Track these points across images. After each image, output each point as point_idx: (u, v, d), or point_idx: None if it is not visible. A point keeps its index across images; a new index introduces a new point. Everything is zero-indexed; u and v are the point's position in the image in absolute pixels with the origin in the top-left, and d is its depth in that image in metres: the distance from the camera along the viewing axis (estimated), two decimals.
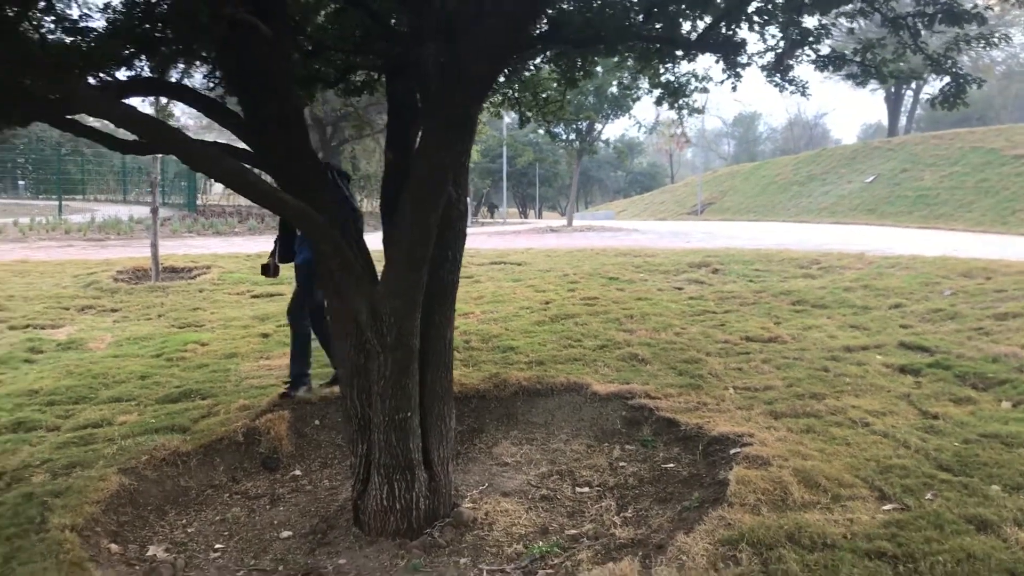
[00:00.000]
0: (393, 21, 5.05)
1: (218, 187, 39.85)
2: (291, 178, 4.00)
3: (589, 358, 6.96)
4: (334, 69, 5.53)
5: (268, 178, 4.11)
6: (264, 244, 19.34)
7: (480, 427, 5.74)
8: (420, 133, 4.52)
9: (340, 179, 5.79)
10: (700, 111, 8.24)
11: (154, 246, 12.86)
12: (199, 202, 31.96)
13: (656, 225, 33.07)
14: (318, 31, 5.29)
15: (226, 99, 4.94)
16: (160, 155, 13.38)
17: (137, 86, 3.93)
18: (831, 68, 5.40)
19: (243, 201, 33.72)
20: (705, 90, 7.36)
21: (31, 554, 3.76)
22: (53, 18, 3.72)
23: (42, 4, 3.36)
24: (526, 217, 56.10)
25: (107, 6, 4.23)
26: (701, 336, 7.81)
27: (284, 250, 6.20)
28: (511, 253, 16.13)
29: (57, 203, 30.93)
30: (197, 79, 5.90)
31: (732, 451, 4.67)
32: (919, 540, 3.50)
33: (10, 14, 3.08)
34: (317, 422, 5.68)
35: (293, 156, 3.96)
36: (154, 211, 13.23)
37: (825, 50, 5.39)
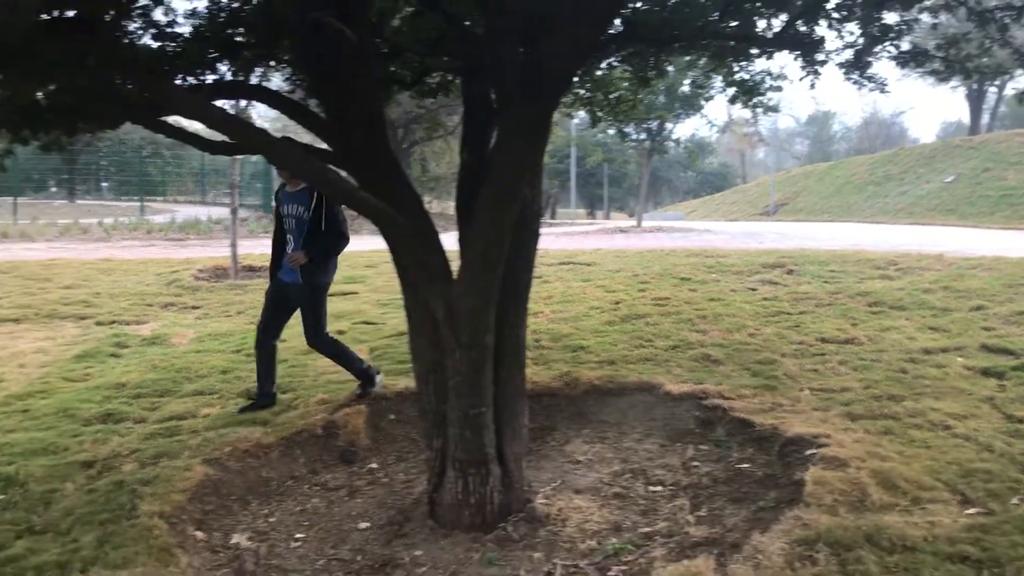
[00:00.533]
0: (469, 23, 5.13)
1: None
2: (371, 177, 4.10)
3: (661, 358, 6.95)
4: (410, 71, 5.64)
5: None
6: None
7: (552, 425, 5.79)
8: (495, 134, 4.62)
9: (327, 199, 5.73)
10: (775, 109, 8.17)
11: (233, 245, 13.23)
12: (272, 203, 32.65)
13: (727, 226, 32.68)
14: (395, 34, 5.41)
15: (307, 101, 5.09)
16: (239, 157, 13.76)
17: (225, 89, 4.07)
18: (912, 65, 5.31)
19: None
20: (779, 88, 7.29)
21: (122, 539, 3.93)
22: (142, 23, 3.90)
23: (137, 9, 3.51)
24: (594, 218, 55.97)
25: (193, 12, 4.40)
26: (776, 337, 7.72)
27: (275, 263, 6.02)
28: (580, 253, 16.14)
29: (139, 204, 31.95)
30: (275, 82, 6.07)
31: (808, 452, 4.63)
32: (1005, 545, 3.43)
33: (107, 18, 3.24)
34: (392, 417, 5.80)
35: (373, 156, 4.07)
36: (233, 211, 13.61)
37: (906, 46, 5.31)
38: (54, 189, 41.33)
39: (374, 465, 5.30)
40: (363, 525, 4.47)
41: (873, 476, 4.14)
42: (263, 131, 3.32)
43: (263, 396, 5.96)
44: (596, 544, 4.04)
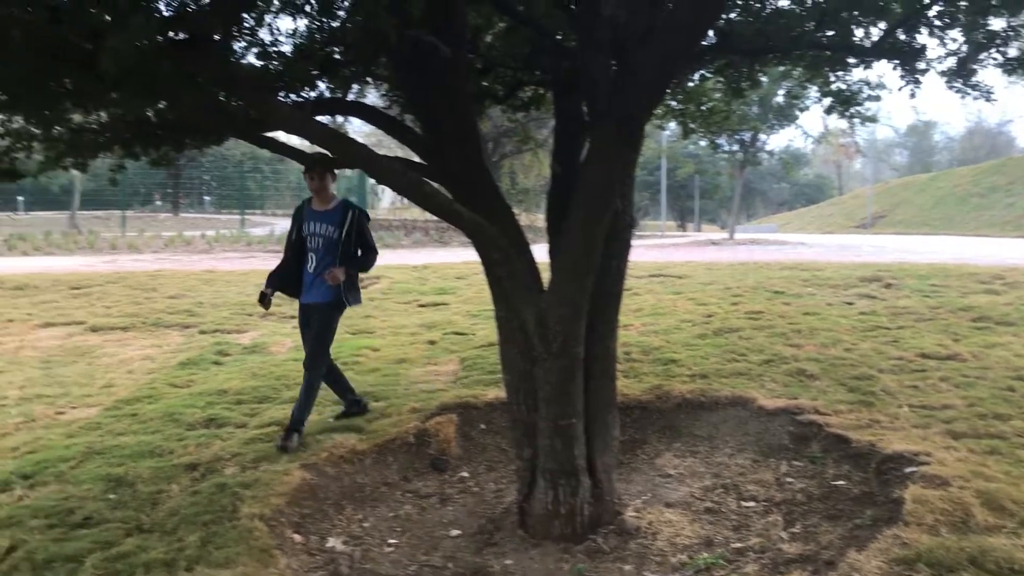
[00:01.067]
0: (561, 37, 5.18)
1: (385, 202, 41.49)
2: (465, 190, 4.18)
3: (754, 372, 6.84)
4: (503, 85, 5.72)
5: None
6: (427, 256, 20.00)
7: (642, 438, 5.76)
8: (587, 146, 4.65)
9: (362, 218, 5.68)
10: (872, 119, 7.96)
11: None
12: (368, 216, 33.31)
13: (823, 238, 31.92)
14: (488, 49, 5.50)
15: (403, 116, 5.22)
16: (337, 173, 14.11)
17: (325, 105, 4.20)
18: (1021, 72, 5.13)
19: (408, 215, 35.02)
20: (878, 98, 7.11)
21: (225, 539, 4.07)
22: (248, 42, 4.06)
23: (244, 29, 3.66)
24: (685, 230, 55.34)
25: (295, 31, 4.56)
26: (873, 352, 7.52)
27: (284, 282, 5.76)
28: (671, 266, 16.00)
29: (239, 217, 33.04)
30: (371, 98, 6.22)
31: (907, 470, 4.49)
32: None
33: (216, 39, 3.39)
34: (483, 426, 5.86)
35: (467, 169, 4.14)
36: None
37: (1014, 52, 5.12)
38: (159, 203, 43.12)
39: (465, 474, 5.37)
40: (454, 533, 4.53)
41: (978, 496, 4.00)
42: (363, 146, 3.42)
43: (353, 404, 6.00)
44: (687, 558, 4.01)
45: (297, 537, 4.40)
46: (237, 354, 8.75)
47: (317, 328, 5.65)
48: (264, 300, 5.70)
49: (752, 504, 4.66)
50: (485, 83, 5.61)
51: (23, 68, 2.33)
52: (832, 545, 3.88)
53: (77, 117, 4.98)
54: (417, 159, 4.55)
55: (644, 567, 3.96)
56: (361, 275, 5.87)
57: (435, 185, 3.96)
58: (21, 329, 10.47)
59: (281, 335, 9.79)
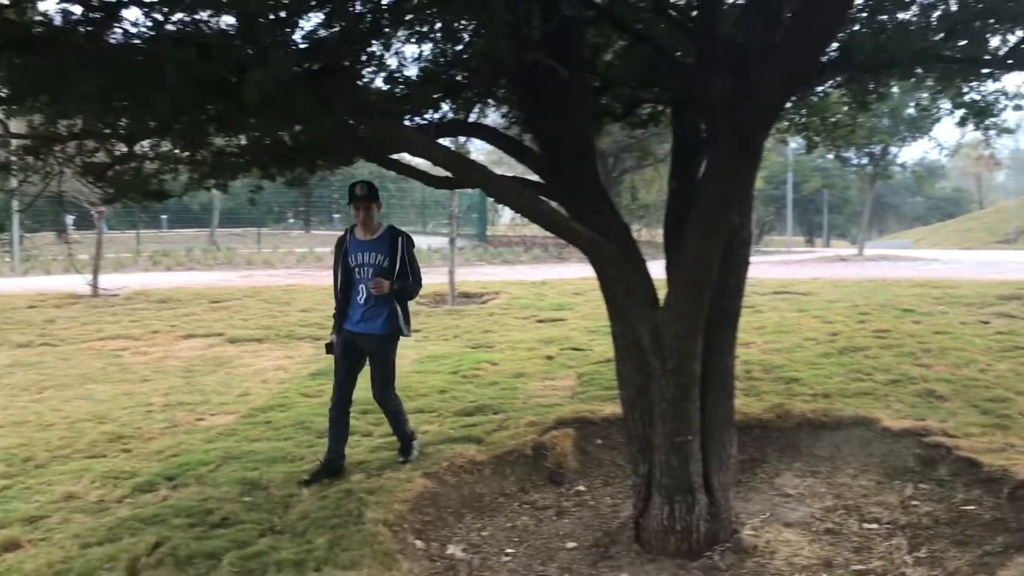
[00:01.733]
0: (679, 55, 5.20)
1: (505, 219, 41.98)
2: (582, 207, 4.26)
3: (880, 392, 6.65)
4: (621, 103, 5.78)
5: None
6: (546, 272, 20.14)
7: (762, 457, 5.69)
8: (705, 162, 4.66)
9: (410, 245, 5.57)
10: (1009, 131, 7.62)
11: (451, 273, 13.90)
12: (488, 232, 33.85)
13: (960, 254, 30.44)
14: (607, 68, 5.58)
15: (522, 136, 5.35)
16: (458, 190, 14.47)
17: (449, 127, 4.37)
18: None
19: (528, 232, 35.31)
20: (1019, 107, 6.81)
21: (350, 543, 4.26)
22: (375, 68, 4.27)
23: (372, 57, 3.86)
24: (813, 246, 53.76)
25: (420, 55, 4.76)
26: (1010, 373, 7.18)
27: (340, 320, 5.59)
28: (796, 283, 15.63)
29: None
30: (490, 118, 6.36)
31: None
32: None
33: (347, 66, 3.59)
34: (599, 441, 5.90)
35: (584, 187, 4.23)
36: (452, 241, 14.33)
37: None
38: (292, 220, 44.88)
39: (581, 488, 5.43)
40: (570, 545, 4.59)
41: None
42: (482, 167, 3.56)
43: (336, 458, 5.48)
44: None
45: (418, 543, 4.56)
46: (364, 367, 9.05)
47: (380, 363, 5.56)
48: (331, 349, 5.63)
49: (875, 526, 4.54)
50: (604, 101, 5.69)
51: (175, 99, 2.56)
52: (960, 572, 3.76)
53: (219, 141, 5.34)
54: (535, 178, 4.68)
55: None
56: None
57: (552, 203, 4.07)
58: (165, 340, 11.15)
59: (404, 348, 10.06)
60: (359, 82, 3.48)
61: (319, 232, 40.38)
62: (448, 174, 4.03)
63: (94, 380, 8.96)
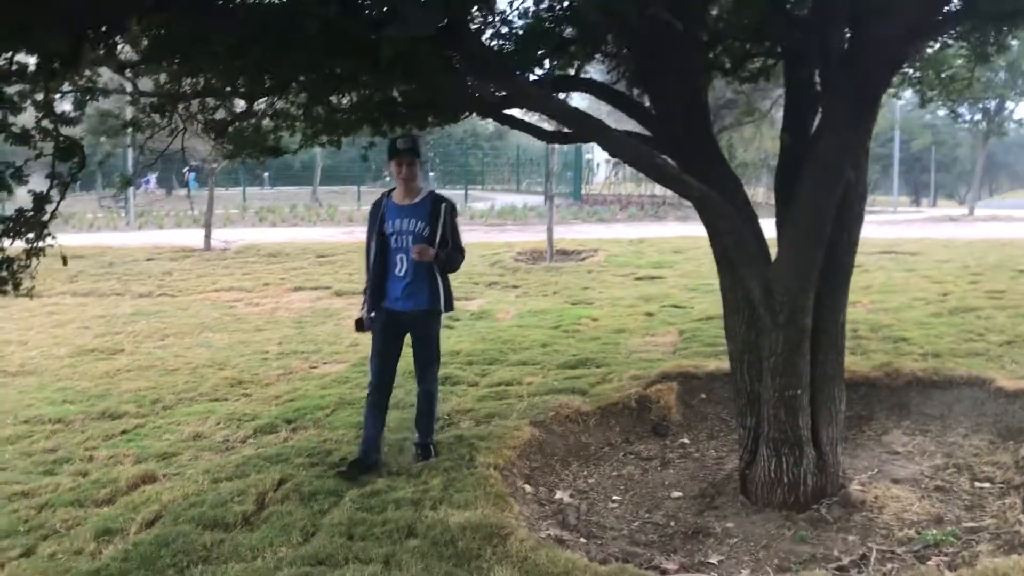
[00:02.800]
0: (791, 7, 5.11)
1: (599, 177, 41.73)
2: (692, 161, 4.28)
3: (994, 353, 6.49)
4: (730, 57, 5.71)
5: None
6: (642, 231, 20.02)
7: (869, 415, 5.64)
8: (818, 116, 4.61)
9: (454, 213, 4.95)
10: None
11: (549, 230, 13.99)
12: (582, 191, 33.73)
13: None
14: (716, 21, 5.51)
15: (630, 91, 5.36)
16: (555, 148, 14.50)
17: (561, 83, 4.43)
18: None
19: (623, 191, 35.05)
20: None
21: (464, 484, 4.43)
22: (493, 23, 4.33)
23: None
24: (919, 206, 51.79)
25: (526, 11, 4.80)
26: None
27: (376, 295, 4.94)
28: (903, 242, 15.19)
29: (463, 192, 34.43)
30: (590, 76, 6.34)
31: None
32: None
33: (467, 20, 3.68)
34: (703, 396, 5.95)
35: (695, 141, 4.24)
36: (549, 199, 14.41)
37: None
38: (388, 178, 45.52)
39: (685, 440, 5.50)
40: (675, 494, 4.68)
41: None
42: (599, 120, 3.62)
43: (372, 450, 4.89)
44: (915, 534, 3.94)
45: (527, 487, 4.71)
46: (466, 319, 9.29)
47: (424, 341, 4.98)
48: (361, 325, 5.04)
49: (987, 485, 4.49)
50: (712, 55, 5.63)
51: (312, 54, 2.70)
52: None
53: (333, 99, 5.51)
54: (642, 132, 4.69)
55: (869, 538, 3.94)
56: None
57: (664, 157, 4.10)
58: (276, 292, 11.61)
59: (505, 303, 10.28)
60: (479, 39, 3.57)
61: None
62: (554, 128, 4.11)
63: (211, 329, 9.43)
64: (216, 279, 12.95)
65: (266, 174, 40.48)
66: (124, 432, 5.86)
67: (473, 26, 4.15)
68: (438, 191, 5.37)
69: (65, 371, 7.63)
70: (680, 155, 4.37)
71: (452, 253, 4.89)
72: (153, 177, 33.71)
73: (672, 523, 4.32)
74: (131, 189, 22.14)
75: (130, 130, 5.96)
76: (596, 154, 41.44)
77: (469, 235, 19.03)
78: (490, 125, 49.67)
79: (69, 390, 6.94)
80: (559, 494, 4.71)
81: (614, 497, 4.71)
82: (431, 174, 45.35)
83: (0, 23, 2.30)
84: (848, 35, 4.12)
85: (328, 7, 2.45)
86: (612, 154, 3.86)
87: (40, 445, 5.63)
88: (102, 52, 3.08)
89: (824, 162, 3.83)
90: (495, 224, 23.78)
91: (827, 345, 4.40)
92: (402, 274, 4.84)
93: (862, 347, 6.79)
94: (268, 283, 12.33)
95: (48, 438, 5.77)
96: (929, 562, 3.66)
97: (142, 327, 9.57)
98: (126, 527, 4.23)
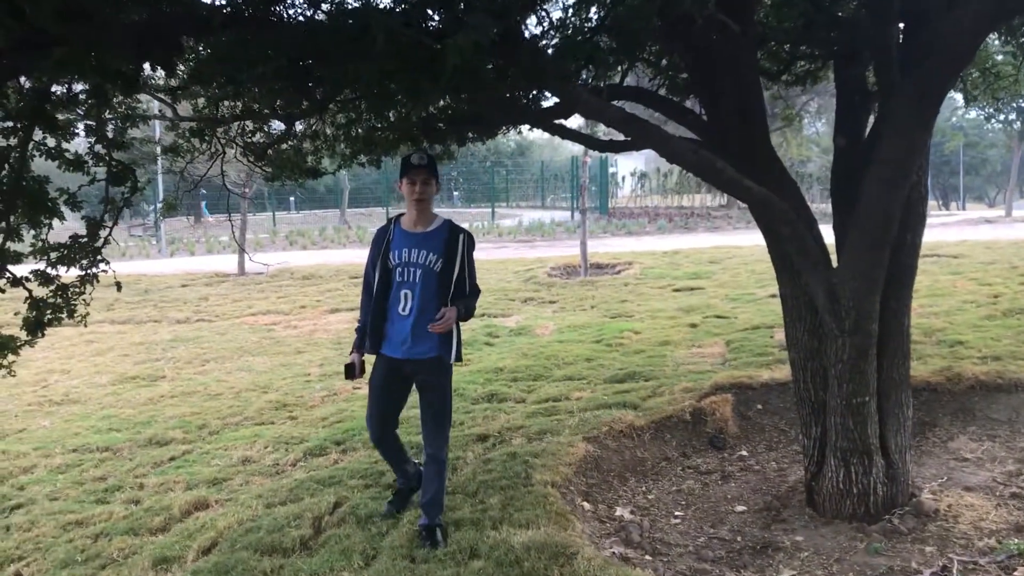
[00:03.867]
0: (835, 6, 5.01)
1: (625, 191, 41.64)
2: (749, 166, 4.18)
3: None
4: (776, 60, 5.62)
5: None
6: (673, 242, 19.87)
7: (932, 420, 5.49)
8: (872, 117, 4.51)
9: (468, 247, 4.13)
10: None
11: (583, 244, 13.91)
12: (609, 205, 33.61)
13: None
14: (759, 23, 5.42)
15: (678, 98, 5.28)
16: (588, 161, 14.44)
17: (612, 91, 4.35)
18: None
19: (650, 203, 34.92)
20: None
21: (523, 503, 4.34)
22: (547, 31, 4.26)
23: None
24: (947, 208, 51.11)
25: (564, 21, 4.74)
26: None
27: (374, 338, 4.13)
28: (943, 245, 14.97)
29: (489, 210, 34.45)
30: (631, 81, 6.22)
31: None
32: None
33: (523, 28, 3.61)
34: (759, 407, 5.82)
35: (752, 145, 4.15)
36: (583, 212, 14.36)
37: None
38: None
39: (744, 452, 5.37)
40: (739, 508, 4.56)
41: None
42: (657, 127, 3.53)
43: (407, 479, 4.53)
44: (995, 543, 3.80)
45: (586, 504, 4.61)
46: (505, 336, 9.21)
47: (437, 397, 4.14)
48: (351, 372, 4.28)
49: None
50: (758, 58, 5.54)
51: (380, 70, 2.65)
52: None
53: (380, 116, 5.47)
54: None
55: (947, 549, 3.80)
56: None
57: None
58: (313, 314, 11.59)
59: (543, 318, 10.18)
60: (535, 47, 3.50)
61: (440, 210, 40.87)
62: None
63: (251, 352, 9.41)
64: (252, 303, 12.97)
65: (292, 198, 40.72)
66: (172, 459, 5.82)
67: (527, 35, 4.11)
68: (450, 215, 5.11)
69: (108, 399, 7.63)
70: (736, 160, 4.27)
71: (470, 301, 4.13)
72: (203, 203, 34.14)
73: (739, 538, 4.20)
74: (162, 217, 22.27)
75: (166, 156, 5.97)
76: (620, 167, 41.38)
77: (499, 252, 19.19)
78: (511, 142, 49.80)
79: (114, 418, 6.92)
80: (619, 511, 4.60)
81: (676, 513, 4.59)
82: (455, 193, 45.53)
83: (69, 45, 2.26)
84: (907, 32, 4.02)
85: (392, 18, 2.40)
86: (670, 160, 3.78)
87: (90, 474, 5.60)
88: (159, 75, 3.05)
89: (891, 162, 3.72)
90: (524, 240, 23.72)
91: (893, 350, 4.28)
92: (406, 312, 4.02)
93: (918, 351, 6.63)
94: (304, 305, 12.33)
95: (97, 466, 5.74)
96: (1016, 572, 3.53)
97: (182, 353, 9.58)
98: (183, 555, 4.17)
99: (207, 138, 5.66)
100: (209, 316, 12.07)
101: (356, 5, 2.66)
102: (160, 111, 5.64)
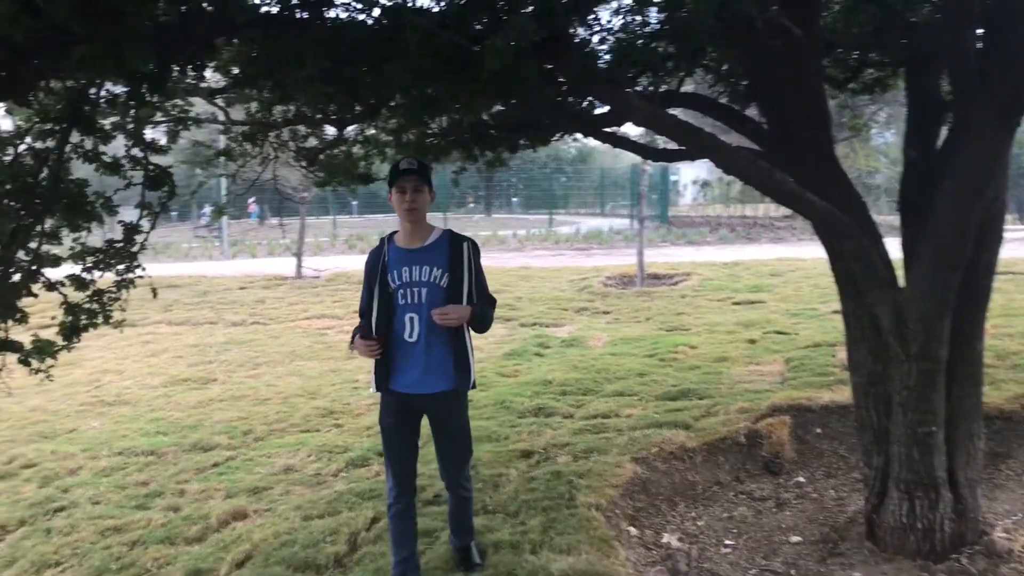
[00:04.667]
0: (907, 11, 4.77)
1: (686, 199, 41.13)
2: (811, 179, 3.95)
3: None
4: (843, 68, 5.38)
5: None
6: (735, 253, 19.47)
7: (1006, 452, 5.16)
8: (945, 128, 4.24)
9: (474, 254, 3.64)
10: None
11: (639, 254, 13.66)
12: (670, 213, 33.20)
13: None
14: (826, 30, 5.19)
15: (735, 105, 5.07)
16: (647, 169, 14.20)
17: (666, 98, 4.17)
18: None
19: (711, 212, 34.42)
20: None
21: (565, 526, 4.17)
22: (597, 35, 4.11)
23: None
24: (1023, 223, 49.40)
25: (624, 26, 4.57)
26: None
27: (380, 374, 3.66)
28: (1019, 262, 14.35)
29: (547, 217, 34.30)
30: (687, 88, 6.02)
31: None
32: None
33: (571, 31, 3.45)
34: (819, 430, 5.55)
35: (816, 156, 3.93)
36: (641, 221, 14.13)
37: None
38: (472, 205, 45.83)
39: (801, 479, 5.11)
40: (794, 539, 4.32)
41: None
42: (712, 135, 3.34)
43: (409, 571, 3.75)
44: None
45: (632, 530, 4.42)
46: (556, 347, 9.03)
47: (455, 430, 3.81)
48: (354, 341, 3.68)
49: None
50: (824, 65, 5.31)
51: (414, 72, 2.51)
52: None
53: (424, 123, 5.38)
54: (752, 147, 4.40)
55: None
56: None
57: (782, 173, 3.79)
58: None
59: (596, 329, 9.98)
60: (584, 51, 3.34)
61: (499, 216, 41.06)
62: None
63: (303, 357, 9.39)
64: (307, 307, 13.00)
65: (354, 203, 41.11)
66: (215, 464, 5.78)
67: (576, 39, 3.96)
68: (508, 221, 4.96)
69: (159, 401, 7.65)
70: (798, 171, 4.05)
71: (484, 307, 3.65)
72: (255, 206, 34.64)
73: (792, 571, 3.97)
74: (225, 219, 22.66)
75: (222, 159, 5.95)
76: (682, 175, 40.87)
77: (555, 260, 19.00)
78: (572, 149, 49.65)
79: (162, 421, 6.93)
80: (667, 537, 4.39)
81: (727, 541, 4.36)
82: (514, 199, 45.48)
83: (90, 45, 2.16)
84: (987, 37, 3.76)
85: (427, 18, 2.26)
86: (726, 171, 3.58)
87: (133, 478, 5.58)
88: (191, 76, 2.97)
89: (967, 176, 3.46)
90: (581, 248, 23.49)
91: (964, 377, 4.01)
92: (414, 339, 3.53)
93: (991, 376, 6.26)
94: (357, 310, 12.31)
95: (141, 471, 5.72)
96: None
97: (234, 356, 9.60)
98: (216, 567, 4.10)
99: (259, 142, 5.62)
100: (264, 319, 12.12)
101: (390, 3, 2.53)
102: (213, 115, 5.61)
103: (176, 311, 12.89)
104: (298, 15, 2.96)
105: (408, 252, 3.58)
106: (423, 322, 3.52)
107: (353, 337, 3.66)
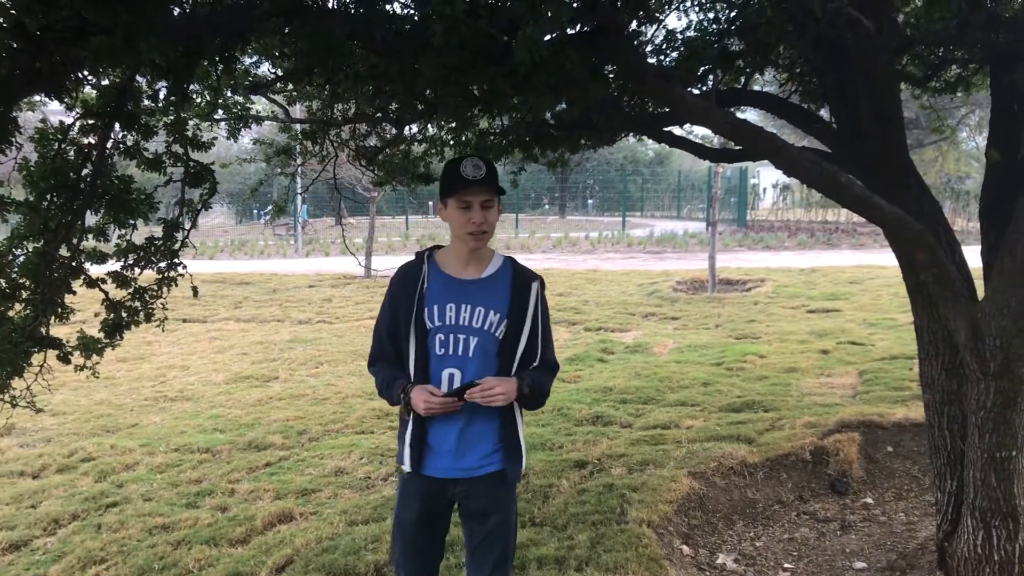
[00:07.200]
0: (993, 3, 4.45)
1: (765, 203, 40.28)
2: (884, 182, 3.70)
3: None
4: (922, 65, 5.07)
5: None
6: (814, 259, 18.91)
7: None
8: None
9: (542, 298, 2.72)
10: None
11: (711, 258, 13.33)
12: (748, 217, 32.54)
13: None
14: (904, 25, 4.90)
15: (807, 105, 4.82)
16: (720, 172, 13.86)
17: (727, 96, 3.96)
18: None
19: (791, 216, 33.59)
20: None
21: (613, 543, 4.00)
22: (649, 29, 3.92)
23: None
24: None
25: (691, 24, 4.36)
26: None
27: (414, 451, 2.63)
28: None
29: (621, 219, 33.99)
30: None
31: None
32: None
33: (626, 28, 3.28)
34: (890, 449, 5.24)
35: (888, 159, 3.67)
36: (713, 225, 13.77)
37: None
38: (547, 206, 45.73)
39: (869, 500, 4.82)
40: (859, 565, 4.06)
41: None
42: (772, 134, 3.13)
43: None
44: None
45: (685, 548, 4.22)
46: (620, 352, 8.83)
47: (499, 527, 2.71)
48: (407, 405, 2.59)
49: None
50: (899, 65, 5.01)
51: (444, 65, 2.38)
52: None
53: (483, 124, 5.27)
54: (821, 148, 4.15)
55: None
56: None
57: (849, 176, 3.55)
58: None
59: (662, 336, 9.74)
60: (633, 44, 3.16)
61: (573, 217, 40.86)
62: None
63: (364, 357, 9.32)
64: (373, 306, 13.02)
65: (430, 202, 41.42)
66: (268, 464, 5.75)
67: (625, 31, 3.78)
68: (582, 223, 4.78)
69: (220, 398, 7.69)
70: (869, 174, 3.80)
71: (542, 377, 2.68)
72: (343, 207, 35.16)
73: None
74: (301, 215, 22.95)
75: (279, 158, 5.93)
76: (762, 178, 40.01)
77: (626, 263, 18.74)
78: (650, 151, 49.16)
79: (221, 418, 6.95)
80: (721, 558, 4.18)
81: (786, 565, 4.13)
82: (589, 202, 45.20)
83: (108, 34, 2.09)
84: None
85: (455, 6, 2.12)
86: (787, 173, 3.35)
87: (187, 475, 5.58)
88: (221, 67, 2.90)
89: None
90: (653, 251, 23.13)
91: None
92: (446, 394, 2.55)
93: None
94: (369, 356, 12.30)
95: (195, 468, 5.73)
96: None
97: (298, 354, 9.64)
98: (256, 571, 4.03)
99: (319, 140, 5.58)
100: (330, 318, 12.19)
101: None
102: (272, 112, 5.60)
103: (245, 308, 13.05)
104: (321, 3, 2.85)
105: (458, 284, 2.64)
106: (462, 380, 2.57)
107: (394, 392, 2.61)
